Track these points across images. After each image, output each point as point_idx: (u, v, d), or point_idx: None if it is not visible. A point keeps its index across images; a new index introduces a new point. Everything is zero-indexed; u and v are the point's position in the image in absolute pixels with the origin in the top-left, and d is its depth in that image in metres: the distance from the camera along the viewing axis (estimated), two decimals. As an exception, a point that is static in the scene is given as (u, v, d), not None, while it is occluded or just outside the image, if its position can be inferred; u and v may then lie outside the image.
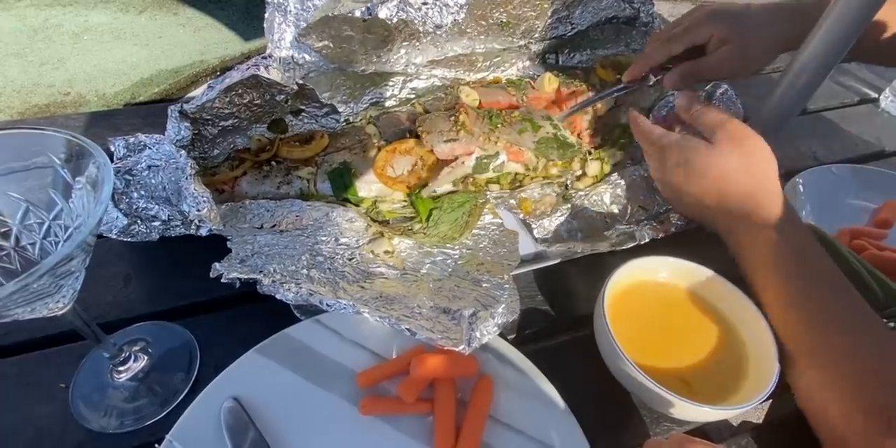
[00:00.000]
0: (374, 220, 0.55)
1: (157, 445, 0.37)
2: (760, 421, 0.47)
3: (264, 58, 0.52)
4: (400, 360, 0.44)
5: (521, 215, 0.58)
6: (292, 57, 0.55)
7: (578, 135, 0.65)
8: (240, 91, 0.54)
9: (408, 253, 0.54)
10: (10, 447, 0.39)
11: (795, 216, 0.45)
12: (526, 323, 0.51)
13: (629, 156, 0.66)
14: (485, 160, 0.57)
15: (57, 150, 0.32)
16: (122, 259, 0.52)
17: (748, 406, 0.39)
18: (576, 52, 0.74)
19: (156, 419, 0.41)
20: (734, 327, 0.47)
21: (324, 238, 0.51)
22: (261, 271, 0.44)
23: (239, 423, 0.39)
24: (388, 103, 0.65)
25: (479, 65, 0.68)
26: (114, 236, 0.48)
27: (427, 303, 0.44)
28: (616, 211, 0.60)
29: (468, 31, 0.63)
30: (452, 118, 0.59)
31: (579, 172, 0.63)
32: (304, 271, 0.46)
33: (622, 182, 0.62)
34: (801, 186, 0.63)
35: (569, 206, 0.60)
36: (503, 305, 0.44)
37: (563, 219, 0.59)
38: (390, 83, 0.64)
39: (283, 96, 0.56)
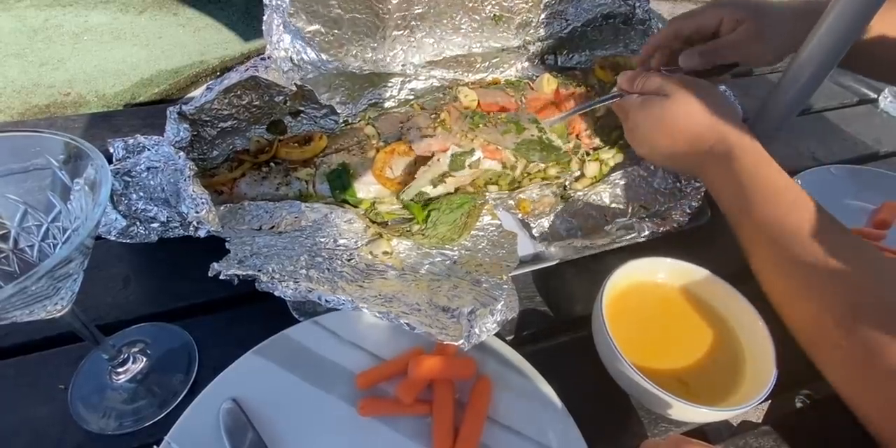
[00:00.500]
0: (373, 222, 0.55)
1: (155, 447, 0.37)
2: (760, 421, 0.47)
3: (263, 59, 0.52)
4: (398, 361, 0.44)
5: (520, 215, 0.58)
6: (291, 58, 0.55)
7: (577, 136, 0.65)
8: (239, 92, 0.54)
9: (406, 254, 0.54)
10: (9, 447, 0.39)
11: (752, 140, 0.47)
12: (524, 324, 0.51)
13: (628, 157, 0.66)
14: (460, 156, 0.57)
15: (55, 152, 0.32)
16: (121, 260, 0.52)
17: (746, 407, 0.39)
18: (574, 53, 0.74)
19: (155, 420, 0.41)
20: (732, 328, 0.47)
21: (322, 239, 0.51)
22: (259, 270, 0.44)
23: (237, 425, 0.39)
24: (386, 104, 0.65)
25: (478, 65, 0.68)
26: (113, 238, 0.48)
27: (426, 301, 0.44)
28: (616, 210, 0.60)
29: (462, 27, 0.63)
30: (433, 116, 0.60)
31: (578, 173, 0.63)
32: (303, 271, 0.46)
33: (621, 182, 0.62)
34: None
35: (567, 206, 0.60)
36: (502, 303, 0.44)
37: (562, 217, 0.59)
38: (389, 84, 0.64)
39: (281, 97, 0.56)
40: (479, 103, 0.63)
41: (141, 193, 0.49)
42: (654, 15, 0.71)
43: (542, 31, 0.68)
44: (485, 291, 0.47)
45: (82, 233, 0.27)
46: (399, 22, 0.59)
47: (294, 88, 0.54)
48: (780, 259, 0.42)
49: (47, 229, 0.32)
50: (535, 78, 0.69)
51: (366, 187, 0.55)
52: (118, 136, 0.53)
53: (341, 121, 0.62)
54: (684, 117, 0.48)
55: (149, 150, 0.50)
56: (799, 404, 0.49)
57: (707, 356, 0.46)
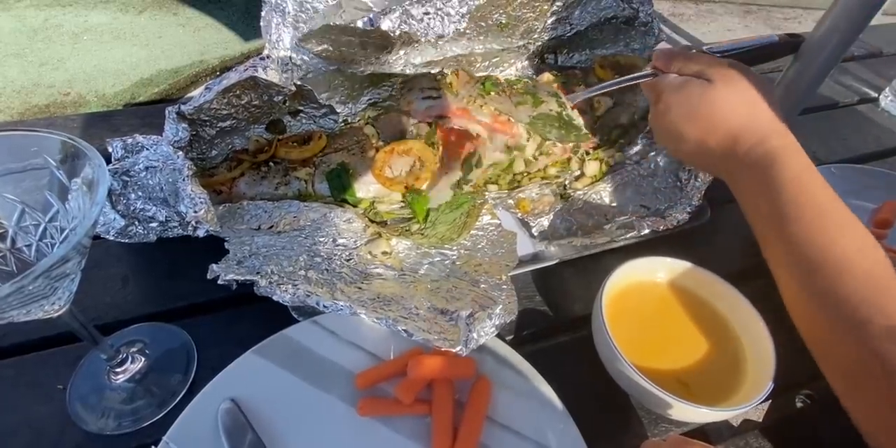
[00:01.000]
0: (372, 221, 0.55)
1: (153, 447, 0.36)
2: (760, 420, 0.46)
3: (262, 59, 0.52)
4: (397, 361, 0.44)
5: (520, 214, 0.58)
6: (290, 58, 0.55)
7: (577, 135, 0.65)
8: (238, 92, 0.53)
9: (406, 254, 0.54)
10: (8, 448, 0.39)
11: (797, 147, 0.41)
12: (524, 324, 0.51)
13: (628, 156, 0.66)
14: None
15: (52, 151, 0.32)
16: (119, 260, 0.52)
17: (746, 407, 0.39)
18: (575, 52, 0.73)
19: (153, 420, 0.41)
20: (732, 328, 0.47)
21: (322, 239, 0.51)
22: (258, 272, 0.44)
23: (236, 425, 0.39)
24: (386, 104, 0.65)
25: (478, 65, 0.68)
26: (111, 238, 0.48)
27: (424, 304, 0.44)
28: (616, 209, 0.60)
29: (467, 32, 0.63)
30: (439, 77, 0.55)
31: (578, 172, 0.63)
32: (302, 272, 0.46)
33: (621, 181, 0.62)
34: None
35: (567, 205, 0.60)
36: (500, 306, 0.44)
37: (562, 216, 0.59)
38: (389, 83, 0.64)
39: (281, 97, 0.56)
40: (478, 102, 0.63)
41: (139, 193, 0.49)
42: (656, 16, 0.71)
43: (545, 36, 0.68)
44: (483, 292, 0.47)
45: (80, 232, 0.27)
46: (408, 40, 0.58)
47: (293, 88, 0.54)
48: (820, 293, 0.35)
49: (45, 229, 0.32)
50: (534, 77, 0.69)
51: (365, 187, 0.55)
52: (117, 135, 0.53)
53: (341, 120, 0.62)
54: (724, 109, 0.41)
55: (147, 149, 0.50)
56: (799, 404, 0.49)
57: (707, 356, 0.46)
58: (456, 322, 0.42)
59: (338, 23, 0.48)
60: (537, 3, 0.63)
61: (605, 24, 0.70)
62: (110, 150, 0.51)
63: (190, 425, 0.38)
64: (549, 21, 0.65)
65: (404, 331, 0.40)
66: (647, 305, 0.48)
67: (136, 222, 0.48)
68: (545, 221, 0.59)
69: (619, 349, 0.41)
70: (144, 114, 0.69)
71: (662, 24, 0.71)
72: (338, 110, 0.61)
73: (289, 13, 0.52)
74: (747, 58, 0.48)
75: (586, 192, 0.61)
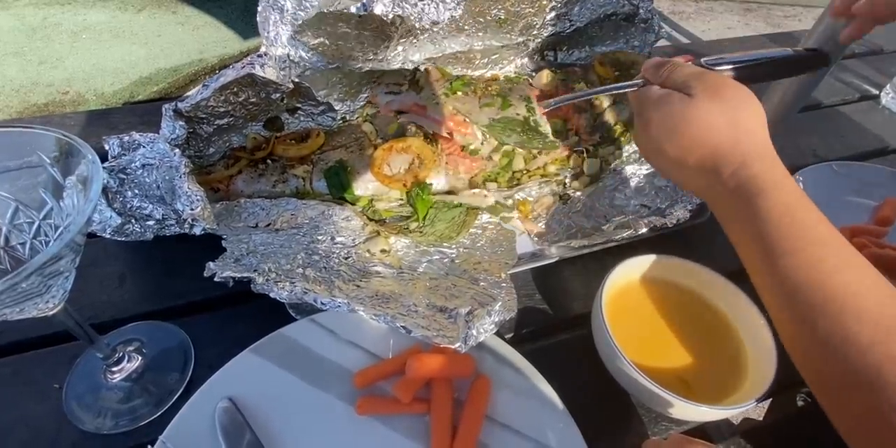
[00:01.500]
0: (371, 219, 0.55)
1: (150, 446, 0.36)
2: (761, 419, 0.46)
3: (259, 56, 0.52)
4: (396, 359, 0.44)
5: (518, 216, 0.58)
6: (288, 55, 0.54)
7: (577, 132, 0.64)
8: (235, 89, 0.53)
9: (404, 252, 0.53)
10: (5, 447, 0.39)
11: (786, 173, 0.37)
12: (523, 322, 0.51)
13: (629, 154, 0.65)
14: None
15: (47, 148, 0.32)
16: (116, 259, 0.52)
17: (746, 406, 0.39)
18: (574, 49, 0.73)
19: (150, 419, 0.41)
20: (733, 325, 0.46)
21: (320, 237, 0.51)
22: (255, 270, 0.43)
23: (234, 424, 0.39)
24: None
25: (477, 62, 0.67)
26: (108, 236, 0.47)
27: (423, 301, 0.44)
28: (615, 210, 0.59)
29: (465, 28, 0.63)
30: (408, 73, 0.56)
31: (577, 170, 0.62)
32: (300, 270, 0.46)
33: (622, 180, 0.62)
34: (800, 184, 0.63)
35: (566, 207, 0.59)
36: (500, 303, 0.43)
37: (560, 218, 0.58)
38: (387, 81, 0.63)
39: (278, 94, 0.56)
40: (477, 100, 0.63)
41: (136, 191, 0.49)
42: (656, 13, 0.70)
43: (545, 32, 0.68)
44: (483, 290, 0.47)
45: (73, 229, 0.27)
46: (405, 33, 0.58)
47: (291, 85, 0.54)
48: (823, 336, 0.32)
49: (39, 227, 0.32)
50: (534, 74, 0.69)
51: (363, 185, 0.55)
52: (114, 133, 0.52)
53: (339, 118, 0.62)
54: (704, 127, 0.38)
55: (144, 147, 0.49)
56: (800, 403, 0.48)
57: (708, 354, 0.45)
58: (455, 319, 0.42)
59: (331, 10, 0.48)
60: (537, -1, 0.62)
61: (605, 21, 0.70)
62: (107, 147, 0.51)
63: (187, 424, 0.38)
64: (549, 17, 0.65)
65: (403, 327, 0.40)
66: (647, 303, 0.48)
67: (133, 220, 0.48)
68: (544, 223, 0.58)
69: (619, 347, 0.41)
70: (142, 111, 0.68)
71: (662, 22, 0.71)
72: (336, 108, 0.61)
73: (287, 11, 0.52)
74: (756, 74, 0.43)
75: (586, 191, 0.61)
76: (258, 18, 0.50)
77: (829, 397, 0.33)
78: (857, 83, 0.92)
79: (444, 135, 0.55)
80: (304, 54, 0.54)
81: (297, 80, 0.53)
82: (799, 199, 0.35)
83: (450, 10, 0.56)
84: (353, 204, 0.55)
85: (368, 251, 0.51)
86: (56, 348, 0.45)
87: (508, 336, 0.50)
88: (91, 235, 0.49)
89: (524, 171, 0.61)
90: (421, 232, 0.54)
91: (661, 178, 0.53)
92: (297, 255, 0.48)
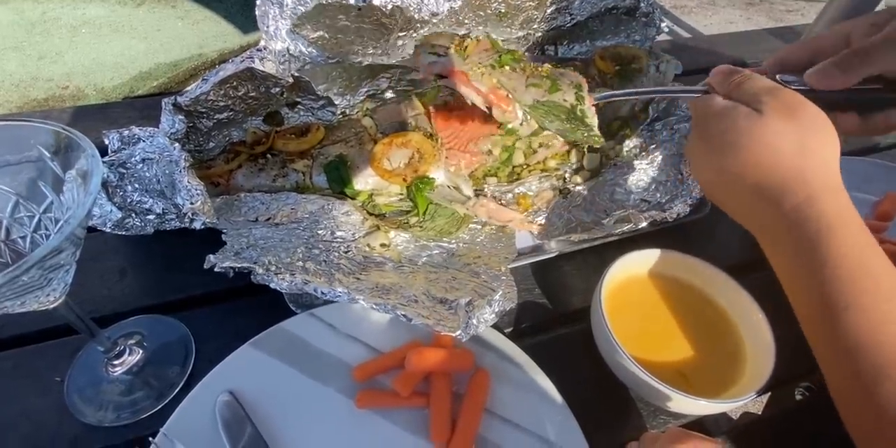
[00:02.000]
0: (371, 214, 0.55)
1: (151, 439, 0.36)
2: (760, 413, 0.46)
3: (259, 50, 0.52)
4: (395, 353, 0.44)
5: (520, 211, 0.58)
6: (287, 49, 0.54)
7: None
8: (234, 83, 0.53)
9: (404, 246, 0.53)
10: (8, 441, 0.39)
11: (851, 208, 0.33)
12: (523, 316, 0.51)
13: (629, 149, 0.65)
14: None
15: (47, 143, 0.32)
16: (117, 253, 0.52)
17: (744, 399, 0.39)
18: (575, 44, 0.73)
19: (152, 412, 0.41)
20: (732, 320, 0.46)
21: (320, 231, 0.51)
22: (255, 262, 0.43)
23: (235, 417, 0.39)
24: (384, 96, 0.64)
25: (477, 56, 0.67)
26: (108, 230, 0.47)
27: (423, 292, 0.44)
28: (616, 204, 0.59)
29: (465, 21, 0.62)
30: (458, 39, 0.53)
31: (577, 165, 0.62)
32: (300, 263, 0.46)
33: (622, 174, 0.61)
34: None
35: (566, 202, 0.59)
36: (500, 293, 0.44)
37: (560, 213, 0.58)
38: (387, 75, 0.63)
39: (278, 89, 0.56)
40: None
41: (136, 185, 0.49)
42: (657, 7, 0.70)
43: (545, 26, 0.67)
44: (483, 283, 0.47)
45: (73, 222, 0.27)
46: (404, 26, 0.58)
47: (290, 79, 0.53)
48: (882, 399, 0.29)
49: (39, 220, 0.32)
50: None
51: (363, 179, 0.55)
52: (114, 127, 0.52)
53: (339, 112, 0.62)
54: (770, 148, 0.33)
55: (144, 141, 0.49)
56: (799, 397, 0.49)
57: (706, 348, 0.45)
58: (455, 310, 0.42)
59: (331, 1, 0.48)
60: (537, -7, 0.62)
61: (606, 15, 0.69)
62: (106, 142, 0.51)
63: (188, 417, 0.38)
64: (549, 11, 0.65)
65: (403, 316, 0.40)
66: (646, 298, 0.48)
67: (133, 214, 0.48)
68: (544, 218, 0.58)
69: (617, 341, 0.41)
70: (142, 106, 0.68)
71: (664, 16, 0.70)
72: (336, 102, 0.60)
73: (287, 5, 0.52)
74: (836, 99, 0.39)
75: (586, 186, 0.60)
76: (257, 12, 0.50)
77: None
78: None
79: (483, 108, 0.52)
80: (303, 48, 0.53)
81: (296, 74, 0.53)
82: (868, 241, 0.32)
83: (449, 1, 0.55)
84: (352, 198, 0.55)
85: (368, 245, 0.51)
86: (57, 342, 0.45)
87: (508, 330, 0.50)
88: (92, 229, 0.49)
89: (524, 166, 0.61)
90: (421, 226, 0.54)
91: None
92: (297, 249, 0.48)
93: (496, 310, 0.42)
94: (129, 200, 0.47)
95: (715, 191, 0.39)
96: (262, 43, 0.51)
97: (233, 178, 0.53)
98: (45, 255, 0.25)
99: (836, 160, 0.34)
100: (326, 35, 0.51)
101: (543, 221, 0.58)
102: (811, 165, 0.33)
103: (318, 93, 0.58)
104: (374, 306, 0.40)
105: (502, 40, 0.67)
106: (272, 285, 0.41)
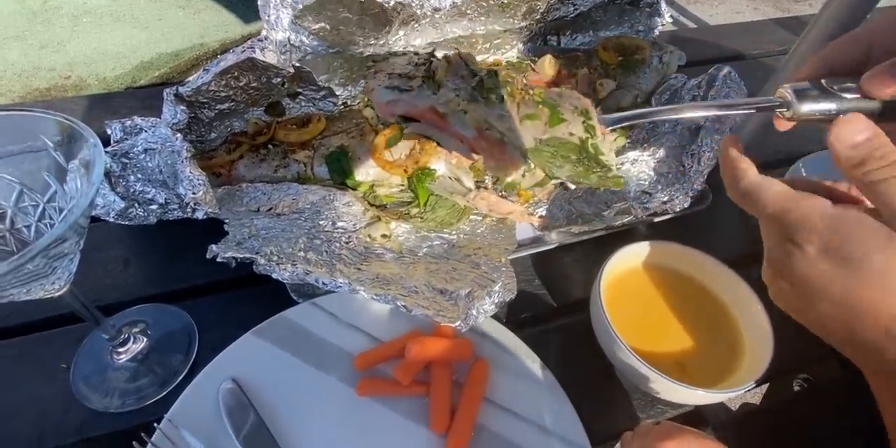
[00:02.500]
0: (371, 205, 0.55)
1: (156, 425, 0.37)
2: (758, 403, 0.47)
3: (260, 40, 0.52)
4: (396, 343, 0.44)
5: (520, 202, 0.58)
6: (288, 39, 0.54)
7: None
8: (236, 74, 0.53)
9: (405, 237, 0.54)
10: (14, 426, 0.40)
11: None
12: (522, 307, 0.52)
13: (630, 140, 0.65)
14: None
15: (50, 132, 0.32)
16: (120, 243, 0.52)
17: (741, 389, 0.40)
18: (578, 34, 0.72)
19: (156, 399, 0.42)
20: (730, 312, 0.47)
21: (321, 222, 0.51)
22: (257, 253, 0.44)
23: (238, 404, 0.40)
24: (386, 86, 0.64)
25: (479, 47, 0.67)
26: (111, 219, 0.48)
27: (424, 283, 0.44)
28: (616, 196, 0.59)
29: (468, 12, 0.62)
30: (424, 63, 0.38)
31: (579, 157, 0.62)
32: (301, 254, 0.46)
33: (623, 166, 0.61)
34: (802, 171, 0.62)
35: (567, 193, 0.59)
36: (500, 284, 0.44)
37: (561, 205, 0.59)
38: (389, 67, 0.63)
39: (279, 79, 0.56)
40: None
41: (139, 175, 0.49)
42: (661, -4, 0.69)
43: (548, 16, 0.67)
44: (483, 274, 0.47)
45: (76, 211, 0.27)
46: (406, 18, 0.57)
47: (291, 70, 0.53)
48: None
49: (43, 210, 0.32)
50: (537, 59, 0.68)
51: (364, 170, 0.55)
52: (116, 117, 0.52)
53: (340, 103, 0.61)
54: None
55: (146, 131, 0.50)
56: (797, 388, 0.49)
57: (705, 339, 0.46)
58: (455, 301, 0.42)
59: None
60: (540, -17, 0.61)
61: (610, 5, 0.69)
62: (109, 132, 0.51)
63: (192, 404, 0.39)
64: (552, 1, 0.64)
65: (403, 307, 0.40)
66: (645, 289, 0.48)
67: (136, 204, 0.48)
68: (544, 209, 0.58)
69: (616, 332, 0.41)
70: (143, 95, 0.68)
71: (668, 6, 0.70)
72: (337, 93, 0.60)
73: (287, -6, 0.52)
74: None
75: (587, 176, 0.60)
76: (259, 2, 0.50)
77: None
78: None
79: (472, 156, 0.38)
80: (304, 39, 0.53)
81: (297, 64, 0.53)
82: None
83: (451, -6, 0.55)
84: (354, 189, 0.55)
85: (369, 236, 0.51)
86: (62, 330, 0.45)
87: (507, 320, 0.51)
88: (95, 219, 0.50)
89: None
90: (422, 218, 0.54)
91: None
92: (299, 240, 0.48)
93: (496, 301, 0.42)
94: (131, 190, 0.48)
95: (827, 320, 0.29)
96: (264, 33, 0.51)
97: (234, 169, 0.53)
98: (50, 243, 0.26)
99: None
100: (328, 26, 0.51)
101: (544, 213, 0.58)
102: None
103: (320, 83, 0.58)
104: (375, 297, 0.41)
105: (504, 31, 0.66)
106: (274, 275, 0.42)
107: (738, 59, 0.89)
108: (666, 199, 0.58)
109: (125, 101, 0.67)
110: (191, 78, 0.53)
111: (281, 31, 0.53)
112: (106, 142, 0.49)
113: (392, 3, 0.52)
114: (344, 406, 0.42)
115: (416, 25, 0.60)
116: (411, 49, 0.62)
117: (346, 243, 0.51)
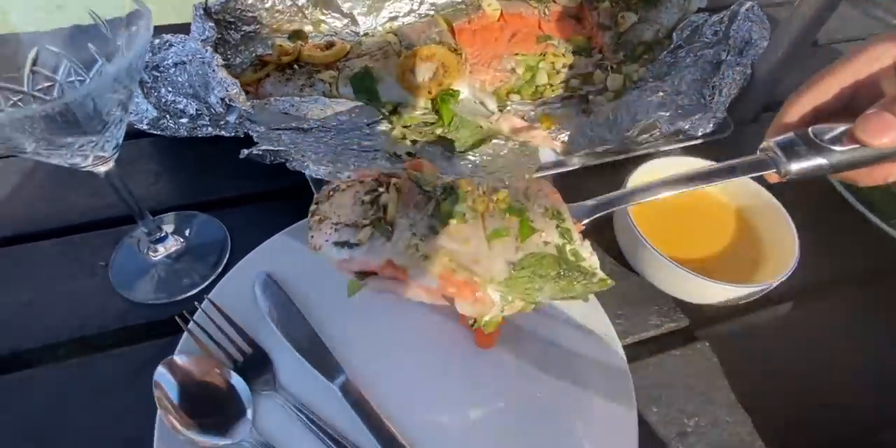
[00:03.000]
0: (396, 125, 0.55)
1: (197, 304, 0.38)
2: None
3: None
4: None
5: (542, 128, 0.58)
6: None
7: (600, 50, 0.64)
8: (262, -7, 0.54)
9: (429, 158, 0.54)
10: (57, 314, 0.41)
11: None
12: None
13: (651, 73, 0.65)
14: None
15: (101, 7, 0.32)
16: (151, 158, 0.53)
17: (763, 286, 0.40)
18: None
19: (192, 293, 0.43)
20: (752, 221, 0.47)
21: (346, 142, 0.52)
22: (287, 160, 0.45)
23: (272, 293, 0.41)
24: (406, 19, 0.65)
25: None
26: (145, 127, 0.49)
27: None
28: (639, 124, 0.59)
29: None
30: (370, 198, 0.34)
31: (600, 86, 0.62)
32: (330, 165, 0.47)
33: (645, 96, 0.61)
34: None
35: (589, 120, 0.60)
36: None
37: (583, 131, 0.59)
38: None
39: (304, 1, 0.56)
40: (501, 14, 0.62)
41: (170, 88, 0.50)
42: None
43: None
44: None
45: (129, 57, 0.28)
46: None
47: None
48: None
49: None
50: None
51: (389, 91, 0.56)
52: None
53: (362, 33, 0.62)
54: None
55: (175, 46, 0.50)
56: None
57: (727, 247, 0.46)
58: None
59: None
60: None
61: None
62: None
63: (229, 291, 0.40)
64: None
65: None
66: (668, 201, 0.49)
67: (168, 116, 0.49)
68: (566, 136, 0.59)
69: (641, 232, 0.42)
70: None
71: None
72: (359, 21, 0.61)
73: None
74: None
75: (608, 106, 0.61)
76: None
77: None
78: (889, 19, 0.89)
79: (443, 301, 0.34)
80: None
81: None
82: None
83: None
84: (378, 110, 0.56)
85: (395, 154, 0.52)
86: (99, 232, 0.47)
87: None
88: (127, 135, 0.51)
89: (547, 86, 0.61)
90: (446, 137, 0.55)
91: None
92: (326, 156, 0.49)
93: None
94: (163, 101, 0.49)
95: None
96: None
97: (261, 87, 0.54)
98: (101, 85, 0.26)
99: None
100: None
101: (566, 139, 0.58)
102: None
103: (343, 10, 0.59)
104: None
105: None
106: (307, 172, 0.42)
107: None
108: (688, 126, 0.58)
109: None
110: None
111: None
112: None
113: None
114: (378, 304, 0.42)
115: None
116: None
117: (373, 161, 0.51)
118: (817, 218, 0.49)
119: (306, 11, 0.58)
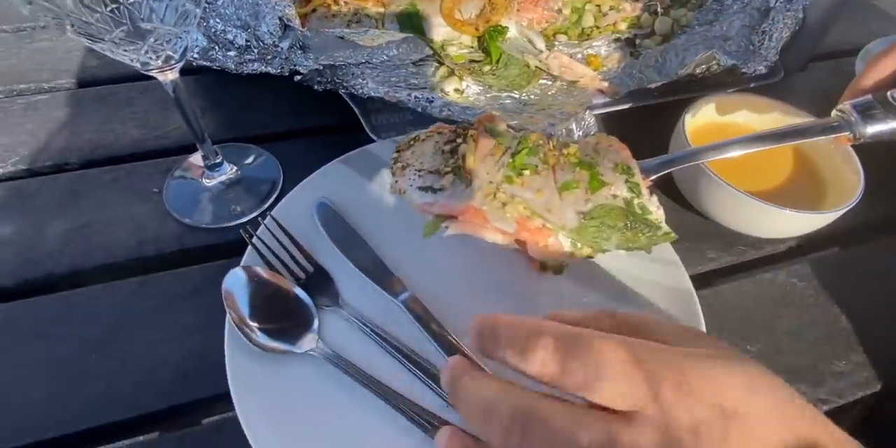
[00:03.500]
0: (442, 64, 0.54)
1: (260, 220, 0.38)
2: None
3: None
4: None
5: (591, 68, 0.57)
6: None
7: (646, -7, 0.62)
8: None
9: (475, 98, 0.53)
10: (114, 236, 0.41)
11: None
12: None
13: (698, 20, 0.63)
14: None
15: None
16: (196, 95, 0.53)
17: (832, 212, 0.40)
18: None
19: (248, 218, 0.43)
20: (812, 155, 0.46)
21: (393, 79, 0.51)
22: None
23: (331, 214, 0.40)
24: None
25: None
26: (195, 56, 0.48)
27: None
28: (688, 67, 0.58)
29: None
30: (449, 148, 0.36)
31: (648, 30, 0.61)
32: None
33: (693, 41, 0.60)
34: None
35: (638, 62, 0.58)
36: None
37: (631, 73, 0.58)
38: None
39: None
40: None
41: (218, 20, 0.49)
42: None
43: None
44: (562, 115, 0.47)
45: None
46: None
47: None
48: None
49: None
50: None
51: (435, 29, 0.54)
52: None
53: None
54: None
55: (223, -22, 0.49)
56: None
57: (787, 183, 0.46)
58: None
59: None
60: None
61: None
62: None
63: (287, 212, 0.40)
64: None
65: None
66: (728, 134, 0.48)
67: (217, 47, 0.48)
68: (614, 77, 0.57)
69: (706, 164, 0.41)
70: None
71: None
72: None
73: None
74: None
75: (657, 50, 0.59)
76: None
77: None
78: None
79: (515, 246, 0.36)
80: None
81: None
82: None
83: None
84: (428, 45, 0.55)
85: (442, 90, 0.51)
86: (149, 162, 0.46)
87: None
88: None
89: (594, 27, 0.60)
90: (494, 74, 0.54)
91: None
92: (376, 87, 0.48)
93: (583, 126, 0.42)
94: (213, 31, 0.48)
95: None
96: None
97: (308, 22, 0.53)
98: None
99: None
100: None
101: (614, 80, 0.57)
102: None
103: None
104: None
105: None
106: (362, 90, 0.42)
107: None
108: (737, 72, 0.56)
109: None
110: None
111: None
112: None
113: None
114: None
115: None
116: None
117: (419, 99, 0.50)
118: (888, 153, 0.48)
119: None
